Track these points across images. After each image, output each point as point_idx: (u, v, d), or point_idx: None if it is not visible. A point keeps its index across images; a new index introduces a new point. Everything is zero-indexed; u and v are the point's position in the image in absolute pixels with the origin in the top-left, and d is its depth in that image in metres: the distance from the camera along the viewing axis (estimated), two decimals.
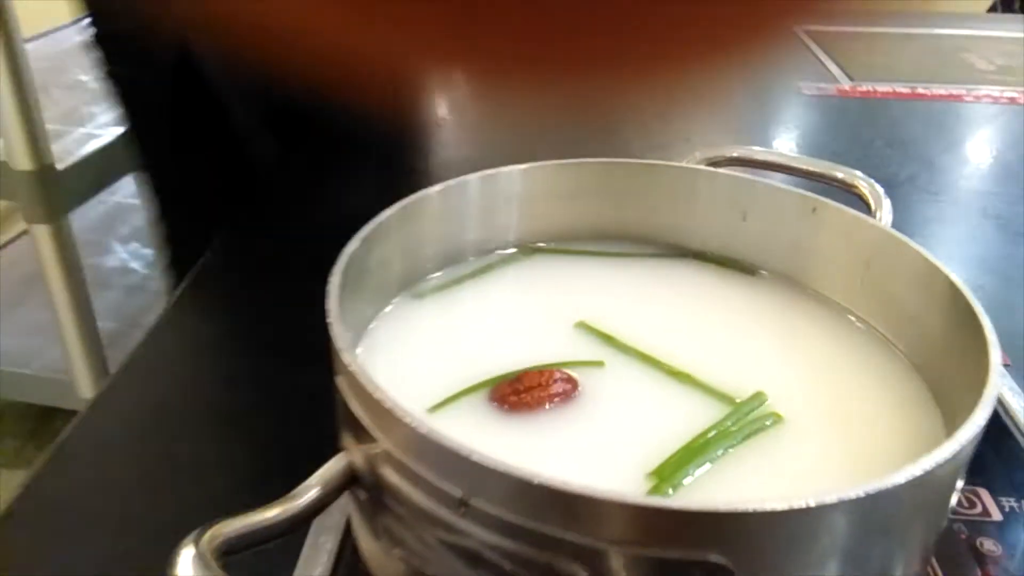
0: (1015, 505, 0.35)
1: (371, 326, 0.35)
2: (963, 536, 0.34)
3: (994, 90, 0.90)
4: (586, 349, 0.34)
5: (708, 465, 0.27)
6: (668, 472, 0.27)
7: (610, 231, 0.41)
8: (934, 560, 0.33)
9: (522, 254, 0.40)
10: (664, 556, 0.21)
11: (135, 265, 1.60)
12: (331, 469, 0.26)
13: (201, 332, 0.50)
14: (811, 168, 0.39)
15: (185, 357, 0.48)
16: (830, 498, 0.20)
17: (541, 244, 0.40)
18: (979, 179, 0.73)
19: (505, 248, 0.40)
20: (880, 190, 0.39)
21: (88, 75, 1.41)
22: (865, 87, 0.90)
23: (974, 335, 0.28)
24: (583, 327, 0.36)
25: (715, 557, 0.21)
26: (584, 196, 0.40)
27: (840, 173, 0.38)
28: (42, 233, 1.11)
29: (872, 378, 0.33)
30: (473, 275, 0.39)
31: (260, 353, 0.46)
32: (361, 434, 0.25)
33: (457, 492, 0.23)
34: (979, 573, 0.33)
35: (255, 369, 0.45)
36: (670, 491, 0.26)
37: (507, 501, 0.22)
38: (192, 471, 0.38)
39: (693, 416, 0.30)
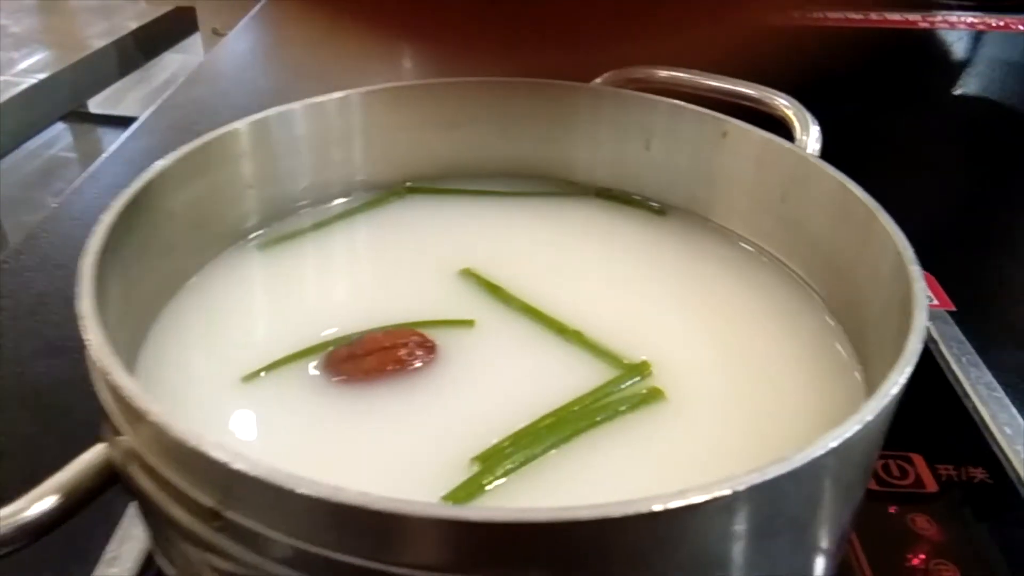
0: (954, 474, 0.31)
1: (190, 282, 0.29)
2: (892, 512, 0.29)
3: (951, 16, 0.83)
4: (465, 306, 0.29)
5: (554, 452, 0.22)
6: (493, 458, 0.21)
7: (499, 167, 0.35)
8: (857, 542, 0.28)
9: (390, 196, 0.34)
10: None
11: None
12: (80, 466, 0.20)
13: None
14: (726, 86, 0.34)
15: None
16: (639, 506, 0.15)
17: (411, 184, 0.35)
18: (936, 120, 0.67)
19: (365, 191, 0.34)
20: (808, 114, 0.34)
21: (8, 19, 1.31)
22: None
23: (897, 275, 0.23)
24: (466, 276, 0.30)
25: None
26: (462, 124, 0.34)
27: (755, 92, 0.32)
28: None
29: (786, 336, 0.28)
30: (328, 222, 0.33)
31: None
32: (110, 425, 0.19)
33: (208, 501, 0.17)
34: (911, 555, 0.28)
35: None
36: (488, 485, 0.21)
37: (266, 513, 0.17)
38: None
39: (575, 386, 0.25)
